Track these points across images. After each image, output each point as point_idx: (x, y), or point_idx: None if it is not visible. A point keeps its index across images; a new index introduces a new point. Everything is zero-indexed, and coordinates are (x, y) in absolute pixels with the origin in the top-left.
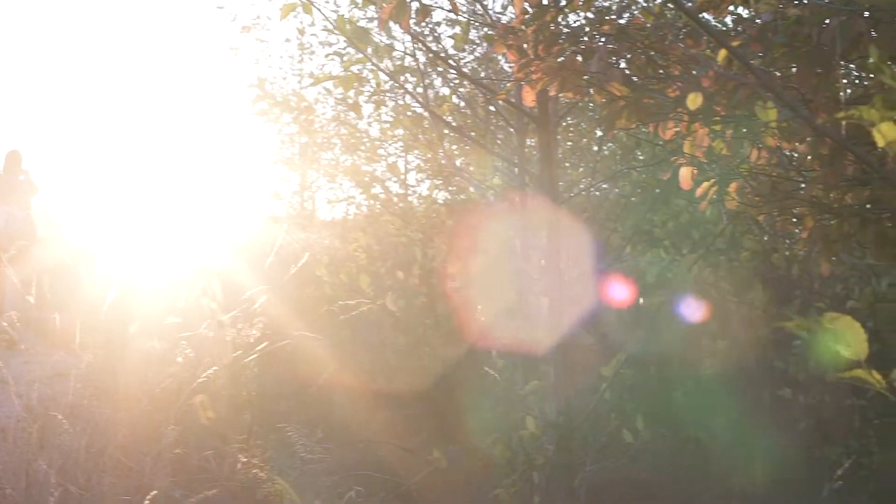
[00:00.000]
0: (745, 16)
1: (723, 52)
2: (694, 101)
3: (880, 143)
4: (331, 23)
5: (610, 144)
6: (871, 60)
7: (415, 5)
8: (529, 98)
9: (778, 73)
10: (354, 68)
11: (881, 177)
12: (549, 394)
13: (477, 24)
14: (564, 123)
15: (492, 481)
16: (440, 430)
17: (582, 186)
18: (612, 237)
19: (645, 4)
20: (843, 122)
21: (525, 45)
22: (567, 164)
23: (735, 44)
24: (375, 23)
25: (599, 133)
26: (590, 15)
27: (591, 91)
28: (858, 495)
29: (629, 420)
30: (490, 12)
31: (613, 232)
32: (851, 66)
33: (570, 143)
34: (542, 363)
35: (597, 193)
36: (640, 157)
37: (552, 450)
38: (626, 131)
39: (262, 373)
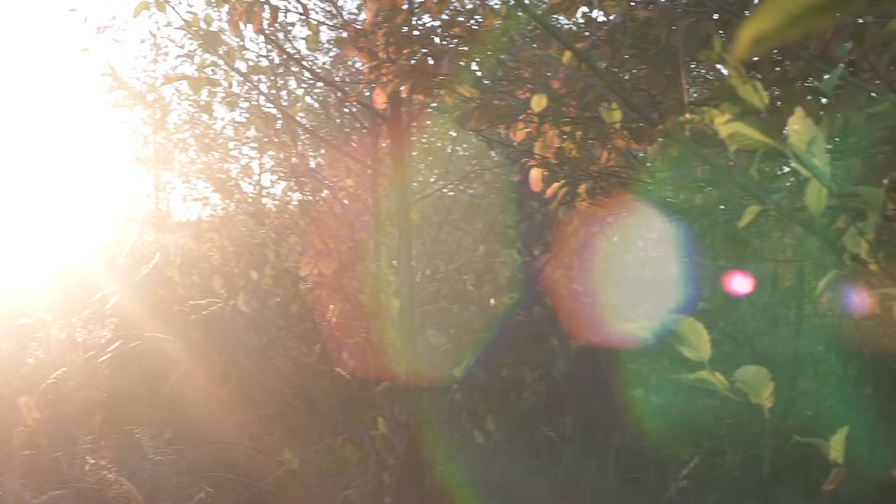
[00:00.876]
0: (596, 18)
1: (568, 54)
2: (538, 102)
3: (723, 133)
4: (184, 21)
5: (464, 145)
6: (724, 64)
7: (266, 7)
8: (380, 100)
9: (627, 75)
10: (208, 70)
11: (726, 179)
12: (400, 394)
13: (329, 26)
14: (418, 124)
15: (343, 482)
16: (293, 430)
17: (435, 187)
18: (465, 238)
19: (495, 6)
20: (688, 124)
21: (377, 48)
22: (422, 165)
23: (581, 45)
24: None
25: (453, 134)
26: (444, 17)
27: (443, 93)
28: (710, 494)
29: (481, 421)
30: (344, 14)
31: (466, 233)
32: (701, 69)
33: (424, 144)
34: (394, 364)
35: (451, 194)
36: (495, 158)
37: (403, 450)
38: (477, 133)
39: (114, 374)
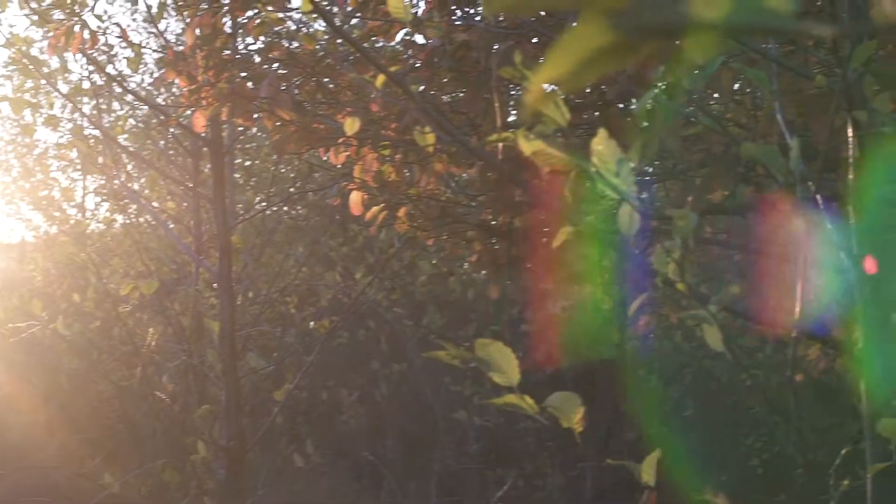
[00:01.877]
0: (415, 40)
1: (382, 77)
2: (351, 126)
3: (526, 151)
4: (6, 40)
5: (286, 167)
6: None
7: (86, 31)
8: (200, 123)
9: (447, 98)
10: (31, 90)
11: (538, 203)
12: (220, 418)
13: (151, 48)
14: (241, 146)
15: None
16: (114, 454)
17: (257, 208)
18: (287, 260)
19: (313, 30)
20: (502, 146)
21: (196, 71)
22: (248, 187)
23: (400, 68)
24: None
25: (276, 156)
26: (263, 40)
27: (262, 116)
28: None
29: (301, 444)
30: (171, 35)
31: (288, 255)
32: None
33: (248, 164)
34: (215, 387)
35: (274, 216)
36: (319, 181)
37: (223, 474)
38: (299, 156)
39: None
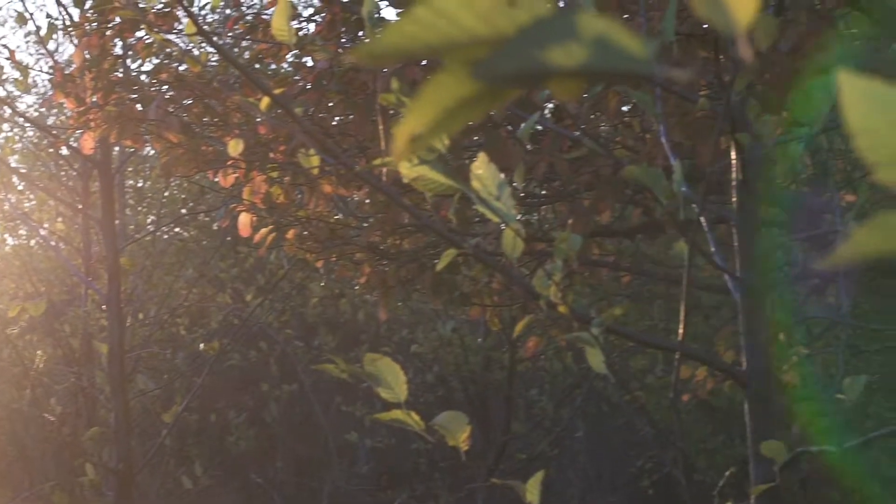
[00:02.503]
0: (305, 63)
1: (266, 100)
2: (235, 147)
3: (407, 177)
4: None
5: (176, 190)
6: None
7: None
8: (88, 145)
9: (336, 121)
10: None
11: (423, 225)
12: (110, 440)
13: (40, 70)
14: (133, 168)
15: None
16: (3, 476)
17: (148, 230)
18: (177, 282)
19: (201, 52)
20: (387, 170)
21: (85, 93)
22: (140, 208)
23: (280, 91)
24: None
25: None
26: (151, 62)
27: (151, 138)
28: None
29: (190, 466)
30: (63, 56)
31: (178, 277)
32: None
33: (140, 185)
34: (104, 409)
35: (164, 237)
36: (210, 202)
37: (112, 497)
38: (188, 178)
39: None
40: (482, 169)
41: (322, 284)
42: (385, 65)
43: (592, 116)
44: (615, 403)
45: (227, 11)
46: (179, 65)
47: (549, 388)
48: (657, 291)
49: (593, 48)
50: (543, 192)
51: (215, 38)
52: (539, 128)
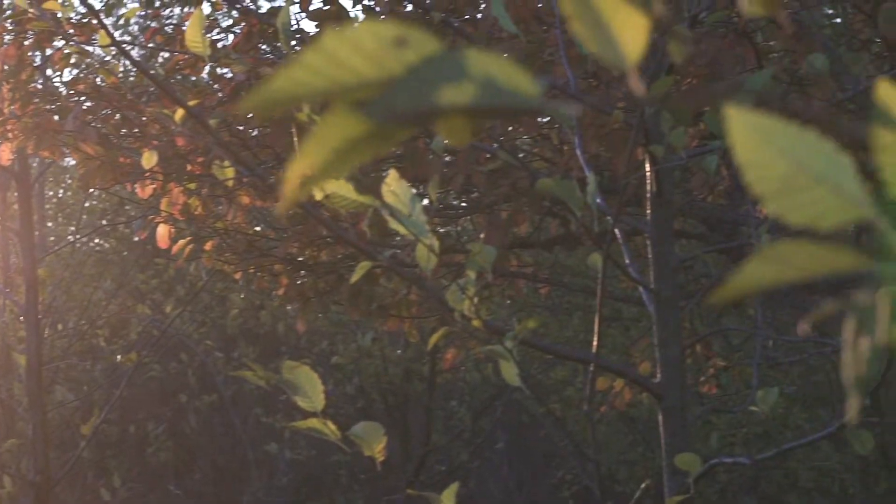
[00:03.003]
0: (223, 74)
1: (181, 112)
2: (148, 159)
3: (318, 194)
4: None
5: (95, 201)
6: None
7: None
8: (6, 156)
9: (256, 132)
10: None
11: (339, 237)
12: (27, 452)
13: None
14: (54, 178)
15: None
16: None
17: (68, 241)
18: (97, 293)
19: (121, 63)
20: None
21: (2, 103)
22: (60, 219)
23: (194, 102)
24: None
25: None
26: (69, 74)
27: (68, 150)
28: None
29: (109, 478)
30: None
31: (98, 288)
32: None
33: (60, 196)
34: (22, 421)
35: (84, 249)
36: (131, 213)
37: None
38: (107, 189)
39: None
40: (394, 183)
41: (242, 296)
42: (277, 112)
43: (510, 129)
44: (535, 415)
45: (149, 23)
46: (98, 76)
47: (468, 400)
48: (576, 303)
49: (482, 86)
50: (463, 204)
51: (134, 49)
52: None
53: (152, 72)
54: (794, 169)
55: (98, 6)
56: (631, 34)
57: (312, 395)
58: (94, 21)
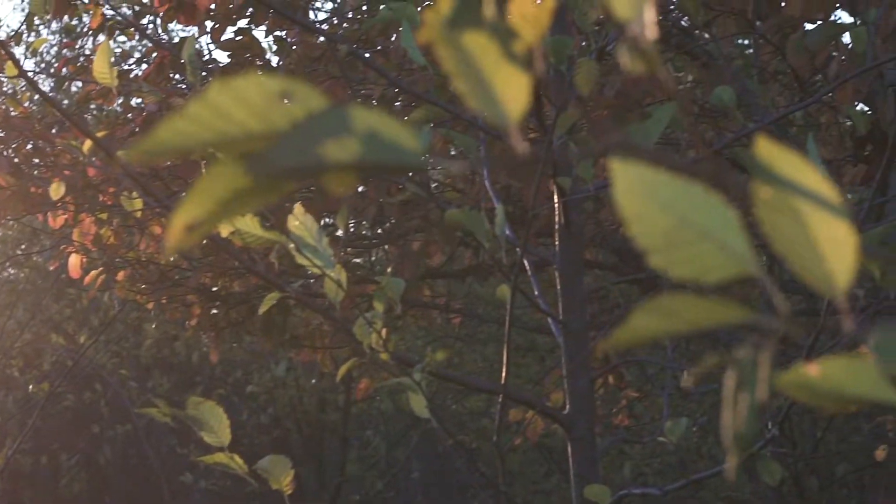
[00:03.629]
0: (136, 105)
1: (88, 142)
2: (56, 190)
3: (223, 231)
4: None
5: (10, 231)
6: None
7: None
8: None
9: (167, 163)
10: None
11: (247, 268)
12: None
13: None
14: None
15: None
16: None
17: None
18: (9, 322)
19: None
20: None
21: None
22: None
23: (102, 133)
24: None
25: None
26: None
27: None
28: None
29: None
30: None
31: (10, 317)
32: None
33: None
34: None
35: None
36: (46, 243)
37: None
38: (18, 220)
39: None
40: (301, 217)
41: (154, 326)
42: (161, 161)
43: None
44: (452, 445)
45: (64, 52)
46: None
47: (383, 429)
48: (491, 332)
49: (366, 143)
50: (379, 233)
51: (46, 78)
52: None
53: (66, 101)
54: (679, 223)
55: (9, 33)
56: (513, 92)
57: (218, 429)
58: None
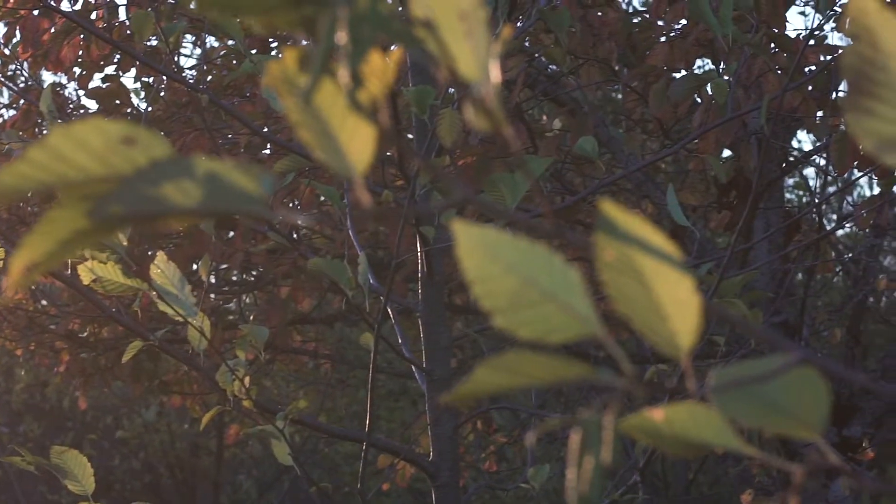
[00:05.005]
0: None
1: None
2: None
3: (84, 279)
4: None
5: None
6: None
7: None
8: None
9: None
10: None
11: (109, 316)
12: None
13: None
14: None
15: None
16: None
17: None
18: None
19: None
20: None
21: None
22: None
23: None
24: None
25: None
26: None
27: None
28: None
29: None
30: None
31: None
32: None
33: None
34: None
35: None
36: None
37: None
38: None
39: None
40: (163, 265)
41: (23, 372)
42: (3, 204)
43: (290, 204)
44: (322, 489)
45: None
46: None
47: (255, 474)
48: (362, 377)
49: (208, 188)
50: (248, 279)
51: None
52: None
53: None
54: (523, 284)
55: None
56: (358, 144)
57: (82, 477)
58: None
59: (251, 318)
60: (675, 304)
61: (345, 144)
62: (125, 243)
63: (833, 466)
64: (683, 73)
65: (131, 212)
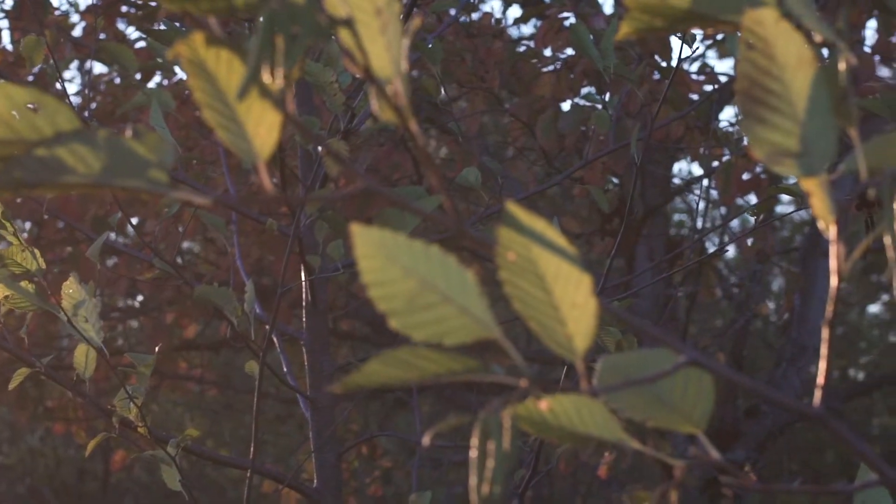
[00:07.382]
0: None
1: None
2: None
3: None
4: None
5: None
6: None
7: None
8: None
9: None
10: None
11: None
12: None
13: None
14: None
15: None
16: None
17: None
18: None
19: None
20: None
21: None
22: None
23: None
24: None
25: None
26: None
27: None
28: None
29: None
30: None
31: None
32: None
33: None
34: None
35: None
36: None
37: None
38: None
39: None
40: (72, 287)
41: None
42: None
43: (171, 233)
44: None
45: None
46: None
47: (143, 499)
48: (249, 402)
49: (110, 157)
50: (137, 306)
51: None
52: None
53: None
54: (421, 287)
55: None
56: (263, 130)
57: None
58: None
59: (140, 343)
60: (573, 307)
61: (251, 130)
62: (40, 262)
63: (713, 462)
64: (570, 102)
65: (33, 178)
